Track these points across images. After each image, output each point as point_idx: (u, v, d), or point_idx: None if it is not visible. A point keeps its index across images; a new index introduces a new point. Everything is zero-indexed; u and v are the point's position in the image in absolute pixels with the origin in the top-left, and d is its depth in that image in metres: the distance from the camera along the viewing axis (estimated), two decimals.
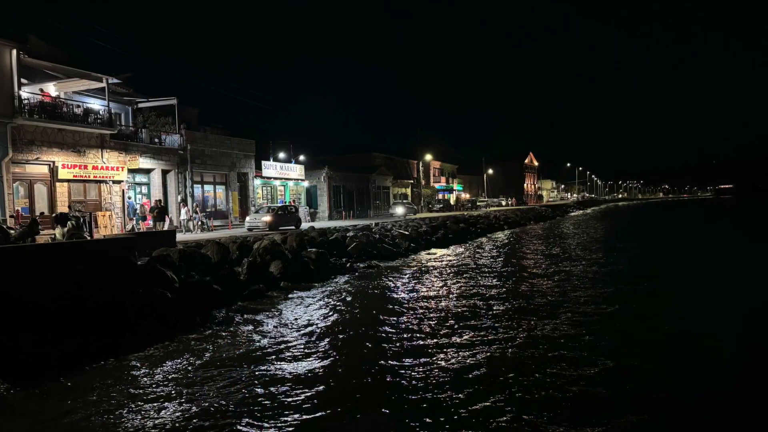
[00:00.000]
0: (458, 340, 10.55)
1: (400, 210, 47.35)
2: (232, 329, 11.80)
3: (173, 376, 8.87)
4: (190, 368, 9.21)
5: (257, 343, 10.65)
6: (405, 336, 11.00)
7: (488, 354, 9.55)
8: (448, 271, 20.37)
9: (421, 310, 13.35)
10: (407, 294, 15.67)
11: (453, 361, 9.25)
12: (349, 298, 15.02)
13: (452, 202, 70.69)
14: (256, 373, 8.88)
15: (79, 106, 23.10)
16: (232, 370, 9.06)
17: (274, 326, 12.05)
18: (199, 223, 27.53)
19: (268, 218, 26.94)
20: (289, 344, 10.54)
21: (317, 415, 7.22)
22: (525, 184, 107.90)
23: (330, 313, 13.21)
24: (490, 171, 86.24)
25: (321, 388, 8.16)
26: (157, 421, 7.13)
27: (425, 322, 12.15)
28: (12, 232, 15.92)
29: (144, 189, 27.76)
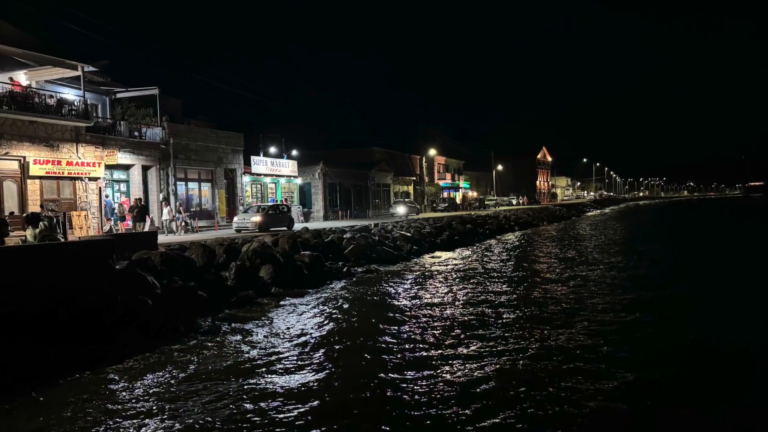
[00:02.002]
0: (465, 351, 10.56)
1: (401, 209, 47.38)
2: (218, 339, 11.80)
3: (155, 390, 8.87)
4: (173, 382, 9.21)
5: (246, 355, 10.66)
6: (407, 347, 11.00)
7: (497, 366, 9.55)
8: (454, 276, 20.38)
9: (424, 319, 13.35)
10: (409, 301, 15.68)
11: (459, 373, 9.26)
12: (346, 306, 15.03)
13: (458, 200, 70.76)
14: (245, 386, 8.89)
15: (52, 97, 23.11)
16: (218, 383, 9.06)
17: (265, 336, 12.06)
18: (183, 223, 27.55)
19: (257, 218, 26.97)
20: (281, 355, 10.55)
21: None
22: (537, 182, 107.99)
23: (325, 322, 13.22)
24: (500, 167, 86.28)
25: (315, 403, 8.16)
26: None
27: (429, 331, 12.16)
28: None
29: (123, 186, 27.78)
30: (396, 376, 9.25)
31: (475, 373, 9.23)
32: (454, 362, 9.88)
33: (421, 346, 11.02)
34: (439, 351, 10.60)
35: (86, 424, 7.59)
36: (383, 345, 11.20)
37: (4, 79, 22.34)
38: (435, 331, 12.09)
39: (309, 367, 9.83)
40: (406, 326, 12.67)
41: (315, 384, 8.97)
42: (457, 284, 18.32)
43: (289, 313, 14.32)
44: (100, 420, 7.73)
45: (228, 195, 33.98)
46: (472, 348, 10.71)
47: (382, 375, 9.31)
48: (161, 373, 9.63)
